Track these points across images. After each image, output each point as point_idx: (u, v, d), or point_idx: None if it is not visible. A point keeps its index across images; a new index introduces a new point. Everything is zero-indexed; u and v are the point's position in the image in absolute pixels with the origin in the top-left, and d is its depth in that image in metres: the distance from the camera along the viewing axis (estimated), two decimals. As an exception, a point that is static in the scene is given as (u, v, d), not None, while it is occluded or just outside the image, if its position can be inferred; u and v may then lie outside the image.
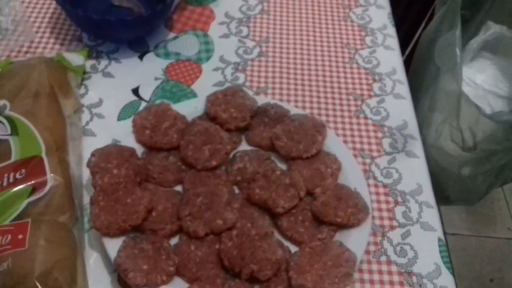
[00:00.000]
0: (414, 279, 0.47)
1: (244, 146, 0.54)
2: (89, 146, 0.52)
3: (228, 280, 0.42)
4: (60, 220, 0.42)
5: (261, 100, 0.57)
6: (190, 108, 0.56)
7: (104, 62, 0.63)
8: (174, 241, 0.45)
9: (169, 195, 0.48)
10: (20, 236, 0.39)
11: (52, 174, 0.43)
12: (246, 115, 0.55)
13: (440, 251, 0.49)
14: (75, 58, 0.58)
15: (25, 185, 0.42)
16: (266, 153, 0.53)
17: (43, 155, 0.45)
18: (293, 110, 0.57)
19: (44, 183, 0.43)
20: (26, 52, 0.62)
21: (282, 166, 0.52)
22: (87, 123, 0.56)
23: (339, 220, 0.46)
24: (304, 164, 0.52)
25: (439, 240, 0.51)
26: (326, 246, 0.44)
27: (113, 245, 0.42)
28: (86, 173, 0.50)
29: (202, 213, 0.45)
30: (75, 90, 0.57)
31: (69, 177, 0.45)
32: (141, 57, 0.65)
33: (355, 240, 0.46)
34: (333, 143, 0.54)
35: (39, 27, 0.66)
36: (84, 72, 0.60)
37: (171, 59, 0.65)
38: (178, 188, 0.50)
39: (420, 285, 0.46)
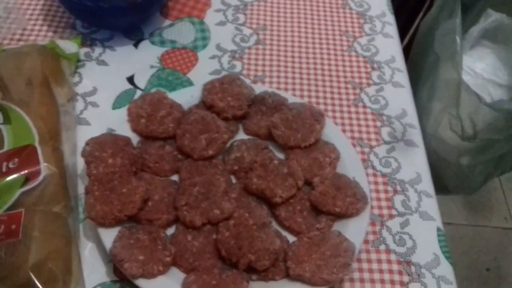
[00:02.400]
0: (413, 268, 0.47)
1: (241, 135, 0.53)
2: (84, 135, 0.51)
3: (226, 270, 0.41)
4: (54, 210, 0.41)
5: (258, 88, 0.56)
6: (186, 97, 0.55)
7: (98, 50, 0.62)
8: (170, 231, 0.45)
9: (165, 185, 0.47)
10: (13, 226, 0.38)
11: (45, 164, 0.42)
12: (243, 103, 0.54)
13: (439, 241, 0.49)
14: (69, 46, 0.57)
15: (18, 174, 0.41)
16: (264, 142, 0.52)
17: (37, 144, 0.44)
18: (291, 98, 0.56)
19: (37, 173, 0.42)
20: (19, 40, 0.61)
21: (280, 155, 0.52)
22: (81, 112, 0.55)
23: (337, 209, 0.46)
24: (302, 154, 0.51)
25: (438, 229, 0.50)
26: (325, 236, 0.44)
27: (109, 235, 0.42)
28: (80, 163, 0.49)
29: (199, 203, 0.44)
30: (69, 78, 0.56)
31: (63, 166, 0.45)
32: (136, 45, 0.64)
33: (354, 230, 0.45)
34: (332, 132, 0.54)
35: (31, 15, 0.64)
36: (78, 60, 0.59)
37: (166, 47, 0.64)
38: (174, 177, 0.49)
39: (418, 275, 0.46)
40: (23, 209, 0.39)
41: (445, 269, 0.47)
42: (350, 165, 0.51)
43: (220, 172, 0.48)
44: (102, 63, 0.61)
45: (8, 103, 0.46)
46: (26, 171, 0.41)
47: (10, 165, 0.41)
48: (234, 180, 0.49)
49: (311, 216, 0.47)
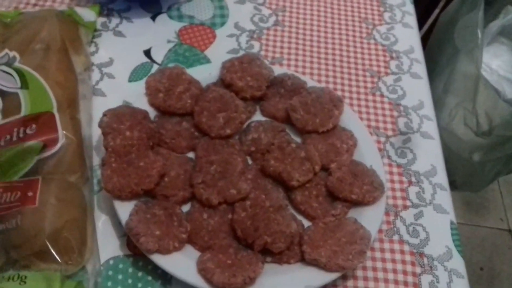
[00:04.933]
0: (425, 260, 0.47)
1: (258, 117, 0.53)
2: (100, 106, 0.50)
3: (241, 250, 0.41)
4: (70, 180, 0.41)
5: (277, 70, 0.55)
6: (204, 74, 0.54)
7: (115, 21, 0.61)
8: (185, 208, 0.44)
9: (182, 161, 0.46)
10: (30, 193, 0.37)
11: (64, 132, 0.42)
12: (262, 84, 0.53)
13: (452, 234, 0.49)
14: (87, 14, 0.55)
15: (36, 141, 0.40)
16: (281, 125, 0.51)
17: (55, 111, 0.43)
18: (310, 82, 0.55)
19: (55, 140, 0.41)
20: (35, 5, 0.59)
21: (297, 139, 0.51)
22: (97, 82, 0.54)
23: (354, 197, 0.45)
24: (319, 139, 0.50)
25: (451, 223, 0.50)
26: (340, 222, 0.44)
27: (124, 209, 0.41)
28: (96, 134, 0.48)
29: (215, 181, 0.44)
30: (86, 47, 0.55)
31: (80, 135, 0.44)
32: (153, 18, 0.62)
33: (370, 218, 0.45)
34: (350, 119, 0.53)
35: (48, -21, 0.63)
36: (95, 30, 0.58)
37: (184, 22, 0.63)
38: (190, 155, 0.48)
39: (431, 267, 0.46)
40: (40, 176, 0.39)
41: (457, 262, 0.47)
42: (367, 153, 0.50)
43: (237, 152, 0.47)
44: (119, 34, 0.59)
45: (25, 67, 0.45)
46: (44, 138, 0.41)
47: (28, 131, 0.40)
48: (250, 161, 0.49)
49: (327, 202, 0.46)
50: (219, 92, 0.50)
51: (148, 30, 0.61)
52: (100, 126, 0.45)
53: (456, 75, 0.68)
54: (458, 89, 0.68)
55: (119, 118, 0.45)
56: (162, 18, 0.62)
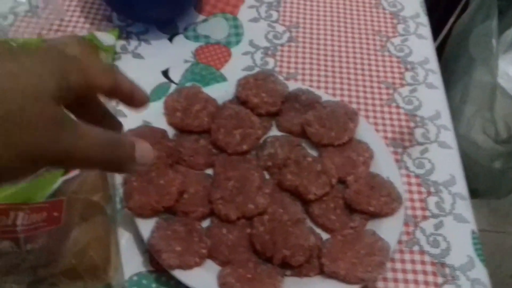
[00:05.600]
0: (447, 270, 0.46)
1: (274, 132, 0.54)
2: (120, 126, 0.52)
3: (260, 264, 0.41)
4: (94, 199, 0.42)
5: (292, 85, 0.56)
6: (220, 92, 0.55)
7: (134, 43, 0.63)
8: (204, 224, 0.45)
9: (200, 178, 0.47)
10: (55, 214, 0.39)
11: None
12: (277, 100, 0.54)
13: (474, 243, 0.48)
14: (107, 38, 0.57)
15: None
16: (297, 139, 0.52)
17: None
18: (325, 96, 0.56)
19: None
20: (57, 31, 0.62)
21: (313, 152, 0.52)
22: (118, 103, 0.56)
23: (371, 209, 0.45)
24: (335, 152, 0.51)
25: (473, 232, 0.50)
26: (359, 234, 0.44)
27: (146, 226, 0.42)
28: (117, 153, 0.50)
29: (233, 197, 0.45)
30: (107, 70, 0.56)
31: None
32: (170, 39, 0.64)
33: (388, 230, 0.45)
34: (365, 131, 0.53)
35: (69, 5, 0.66)
36: (115, 53, 0.60)
37: (200, 42, 0.64)
38: (208, 171, 0.49)
39: (453, 277, 0.46)
40: (65, 197, 0.40)
41: (480, 272, 0.47)
42: (384, 165, 0.51)
43: (254, 168, 0.48)
44: (137, 56, 0.62)
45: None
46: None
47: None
48: (267, 176, 0.49)
49: (345, 214, 0.46)
50: (235, 109, 0.51)
51: (166, 51, 0.63)
52: (121, 146, 0.46)
53: (473, 84, 0.68)
54: (475, 98, 0.67)
55: (139, 138, 0.47)
56: (179, 38, 0.64)
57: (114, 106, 0.56)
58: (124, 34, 0.63)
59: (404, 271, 0.46)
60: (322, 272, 0.42)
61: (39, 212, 0.39)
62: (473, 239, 0.49)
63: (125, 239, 0.45)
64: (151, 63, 0.61)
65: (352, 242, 0.43)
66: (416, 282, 0.45)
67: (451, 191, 0.53)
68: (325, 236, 0.45)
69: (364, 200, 0.46)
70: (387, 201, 0.46)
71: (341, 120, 0.52)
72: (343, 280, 0.41)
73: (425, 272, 0.46)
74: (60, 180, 0.41)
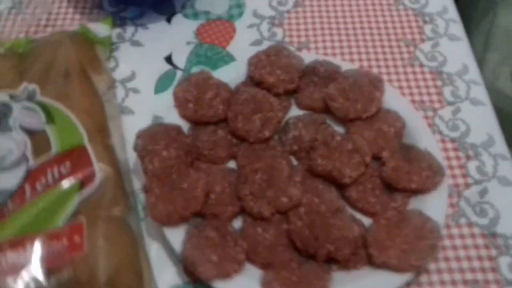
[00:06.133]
0: (499, 240, 0.43)
1: (294, 111, 0.49)
2: (130, 125, 0.48)
3: (303, 262, 0.39)
4: (115, 213, 0.39)
5: (307, 57, 0.52)
6: (231, 74, 0.51)
7: (130, 30, 0.58)
8: (236, 223, 0.42)
9: (224, 174, 0.44)
10: (76, 239, 0.35)
11: (100, 164, 0.40)
12: (294, 76, 0.49)
13: (523, 208, 0.45)
14: (100, 29, 0.52)
15: (72, 180, 0.38)
16: (321, 117, 0.48)
17: (86, 142, 0.41)
18: (344, 65, 0.51)
19: (92, 175, 0.39)
20: (46, 26, 0.57)
21: (339, 129, 0.48)
22: (123, 99, 0.52)
23: (413, 185, 0.42)
24: (364, 126, 0.47)
25: (520, 195, 0.46)
26: (404, 216, 0.40)
27: (175, 235, 0.39)
28: (131, 156, 0.46)
29: (263, 191, 0.41)
30: (105, 64, 0.52)
31: (117, 164, 0.42)
32: (168, 20, 0.59)
33: (434, 206, 0.42)
34: (392, 98, 0.49)
35: (54, -3, 0.60)
36: (111, 43, 0.55)
37: (201, 19, 0.59)
38: (231, 164, 0.46)
39: (507, 247, 0.43)
40: (84, 218, 0.37)
41: (534, 238, 0.44)
42: (418, 133, 0.47)
43: (280, 155, 0.44)
44: (136, 43, 0.57)
45: (48, 100, 0.43)
46: (80, 176, 0.39)
47: (62, 170, 0.38)
48: (294, 162, 0.46)
49: (384, 194, 0.43)
50: (250, 92, 0.47)
51: (165, 34, 0.58)
52: (135, 149, 0.43)
53: (496, 29, 0.62)
54: (501, 44, 0.62)
55: (153, 138, 0.43)
56: (178, 18, 0.59)
57: (120, 103, 0.51)
58: (118, 21, 0.58)
59: (454, 247, 0.43)
60: (370, 262, 0.39)
61: (58, 239, 0.35)
62: (522, 202, 0.46)
63: (154, 250, 0.42)
64: (152, 49, 0.56)
65: (398, 225, 0.40)
66: (468, 258, 0.42)
67: (491, 152, 0.49)
68: (365, 220, 0.42)
69: (405, 177, 0.42)
70: (429, 175, 0.42)
71: (366, 90, 0.48)
72: (395, 269, 0.38)
73: (476, 246, 0.43)
74: (76, 200, 0.38)
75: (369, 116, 0.47)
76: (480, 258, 0.42)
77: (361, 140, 0.45)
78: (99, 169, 0.39)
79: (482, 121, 0.51)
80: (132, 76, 0.54)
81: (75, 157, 0.39)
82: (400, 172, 0.42)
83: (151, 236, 0.43)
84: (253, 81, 0.49)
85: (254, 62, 0.50)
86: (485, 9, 0.66)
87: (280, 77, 0.49)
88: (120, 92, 0.52)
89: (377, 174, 0.44)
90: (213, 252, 0.38)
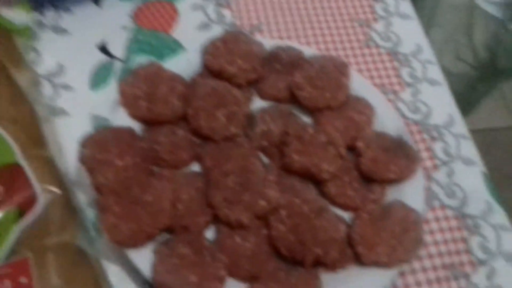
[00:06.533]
0: (469, 221, 0.43)
1: (256, 102, 0.45)
2: (64, 129, 0.41)
3: (291, 270, 0.35)
4: (65, 240, 0.32)
5: (266, 42, 0.47)
6: (182, 64, 0.45)
7: (51, 15, 0.49)
8: (208, 234, 0.37)
9: (189, 179, 0.39)
10: (23, 280, 0.28)
11: (39, 184, 0.32)
12: (256, 64, 0.45)
13: (488, 188, 0.46)
14: (16, 16, 0.43)
15: (9, 208, 0.31)
16: (287, 107, 0.44)
17: (19, 159, 0.33)
18: (307, 51, 0.48)
19: (32, 199, 0.32)
20: None
21: (305, 119, 0.45)
22: (52, 98, 0.44)
23: (392, 176, 0.40)
24: (333, 115, 0.44)
25: (484, 174, 0.47)
26: (386, 208, 0.39)
27: (142, 258, 0.34)
28: (71, 165, 0.39)
29: (239, 196, 0.37)
30: (26, 57, 0.43)
31: (60, 180, 0.35)
32: (96, 2, 0.51)
33: (413, 195, 0.40)
34: (357, 84, 0.47)
35: None
36: (31, 32, 0.46)
37: (135, 1, 0.52)
38: (194, 167, 0.41)
39: (476, 227, 0.43)
40: (29, 252, 0.30)
41: (500, 216, 0.44)
42: (387, 120, 0.45)
43: (250, 153, 0.40)
44: (61, 31, 0.48)
45: (-38, 108, 0.34)
46: (17, 201, 0.31)
47: (-6, 196, 0.31)
48: (264, 159, 0.42)
49: (362, 187, 0.41)
50: (210, 84, 0.42)
51: (96, 19, 0.50)
52: (81, 161, 0.36)
53: (442, 6, 0.63)
54: (445, 22, 0.63)
55: (103, 146, 0.36)
56: (107, 0, 0.51)
57: (48, 103, 0.43)
58: (34, 4, 0.49)
59: (431, 232, 0.42)
60: (358, 260, 0.36)
61: (0, 281, 0.28)
62: (485, 182, 0.46)
63: (115, 276, 0.36)
64: (81, 37, 0.48)
65: (381, 219, 0.38)
66: (445, 242, 0.42)
67: (453, 132, 0.49)
68: (342, 213, 0.40)
69: (383, 167, 0.40)
70: (407, 164, 0.41)
71: (332, 77, 0.45)
72: (385, 266, 0.36)
73: (451, 229, 0.43)
74: (15, 231, 0.30)
75: (337, 104, 0.44)
76: (455, 241, 0.42)
77: (334, 131, 0.42)
78: (40, 191, 0.32)
79: (441, 102, 0.51)
80: (60, 70, 0.46)
81: (7, 178, 0.32)
82: (378, 163, 0.40)
83: (109, 259, 0.36)
84: (211, 71, 0.44)
85: (211, 51, 0.44)
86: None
87: (242, 66, 0.44)
88: (46, 89, 0.44)
89: (352, 166, 0.41)
90: (191, 272, 0.33)
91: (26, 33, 0.44)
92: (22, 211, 0.31)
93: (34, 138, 0.36)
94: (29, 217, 0.31)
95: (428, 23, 0.66)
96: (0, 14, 0.43)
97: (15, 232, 0.30)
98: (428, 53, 0.55)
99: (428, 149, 0.47)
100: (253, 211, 0.37)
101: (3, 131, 0.34)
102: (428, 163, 0.46)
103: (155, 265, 0.33)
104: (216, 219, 0.37)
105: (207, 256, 0.34)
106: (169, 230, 0.36)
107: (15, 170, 0.32)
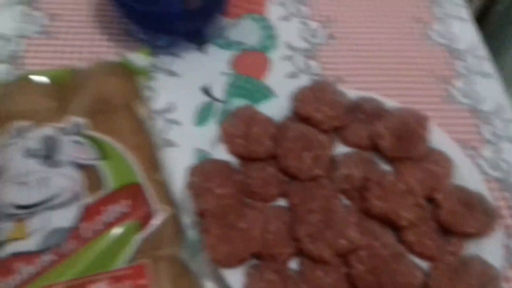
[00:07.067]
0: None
1: (339, 148, 0.49)
2: (174, 158, 0.47)
3: (368, 308, 0.37)
4: (173, 253, 0.37)
5: (350, 93, 0.51)
6: (274, 109, 0.50)
7: (164, 59, 0.56)
8: (292, 265, 0.41)
9: (278, 213, 0.43)
10: (141, 282, 0.33)
11: (157, 203, 0.38)
12: (340, 112, 0.49)
13: None
14: (138, 59, 0.51)
15: (133, 219, 0.36)
16: (369, 155, 0.47)
17: (139, 180, 0.39)
18: (388, 103, 0.51)
19: (150, 215, 0.37)
20: (72, 52, 0.55)
21: (386, 168, 0.47)
22: (163, 131, 0.50)
23: (470, 230, 0.42)
24: (413, 165, 0.46)
25: None
26: (464, 261, 0.40)
27: (235, 277, 0.38)
28: (177, 190, 0.44)
29: (322, 232, 0.40)
30: (144, 94, 0.50)
31: (172, 201, 0.40)
32: (200, 49, 0.58)
33: (491, 251, 0.41)
34: (437, 137, 0.49)
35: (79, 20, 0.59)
36: (149, 74, 0.54)
37: (233, 50, 0.58)
38: (280, 202, 0.45)
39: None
40: (146, 258, 0.35)
41: None
42: (466, 174, 0.47)
43: (333, 195, 0.43)
44: (172, 74, 0.55)
45: (97, 134, 0.41)
46: (139, 215, 0.37)
47: (120, 209, 0.37)
48: (344, 201, 0.45)
49: (440, 237, 0.42)
50: (299, 129, 0.46)
51: (199, 64, 0.57)
52: (189, 187, 0.41)
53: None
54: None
55: (207, 176, 0.42)
56: (210, 48, 0.58)
57: (164, 136, 0.50)
58: (152, 50, 0.57)
59: (510, 291, 0.42)
60: (432, 308, 0.38)
61: (121, 281, 0.33)
62: None
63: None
64: (188, 80, 0.55)
65: (459, 272, 0.39)
66: (524, 302, 0.42)
67: (535, 193, 0.49)
68: (419, 262, 0.41)
69: (461, 221, 0.42)
70: (486, 220, 0.42)
71: (412, 128, 0.48)
72: (461, 317, 0.37)
73: (530, 289, 0.43)
74: (137, 240, 0.36)
75: (417, 155, 0.47)
76: (535, 302, 0.42)
77: (413, 181, 0.44)
78: (157, 209, 0.38)
79: (523, 161, 0.52)
80: (170, 107, 0.52)
81: (131, 196, 0.38)
82: (457, 216, 0.42)
83: (205, 276, 0.41)
84: (299, 117, 0.49)
85: (300, 98, 0.49)
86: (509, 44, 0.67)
87: (328, 114, 0.48)
88: (159, 123, 0.51)
89: (430, 217, 0.43)
90: (277, 297, 0.36)
91: (145, 74, 0.51)
92: (142, 223, 0.37)
93: (152, 163, 0.42)
94: (147, 230, 0.36)
95: (508, 82, 0.67)
96: (126, 57, 0.51)
97: (136, 240, 0.35)
98: (509, 112, 0.56)
99: (510, 207, 0.48)
100: (334, 248, 0.40)
101: (128, 155, 0.40)
102: (509, 221, 0.47)
103: (245, 285, 0.37)
104: (300, 252, 0.41)
105: (291, 285, 0.38)
106: (258, 256, 0.40)
107: (137, 188, 0.38)
